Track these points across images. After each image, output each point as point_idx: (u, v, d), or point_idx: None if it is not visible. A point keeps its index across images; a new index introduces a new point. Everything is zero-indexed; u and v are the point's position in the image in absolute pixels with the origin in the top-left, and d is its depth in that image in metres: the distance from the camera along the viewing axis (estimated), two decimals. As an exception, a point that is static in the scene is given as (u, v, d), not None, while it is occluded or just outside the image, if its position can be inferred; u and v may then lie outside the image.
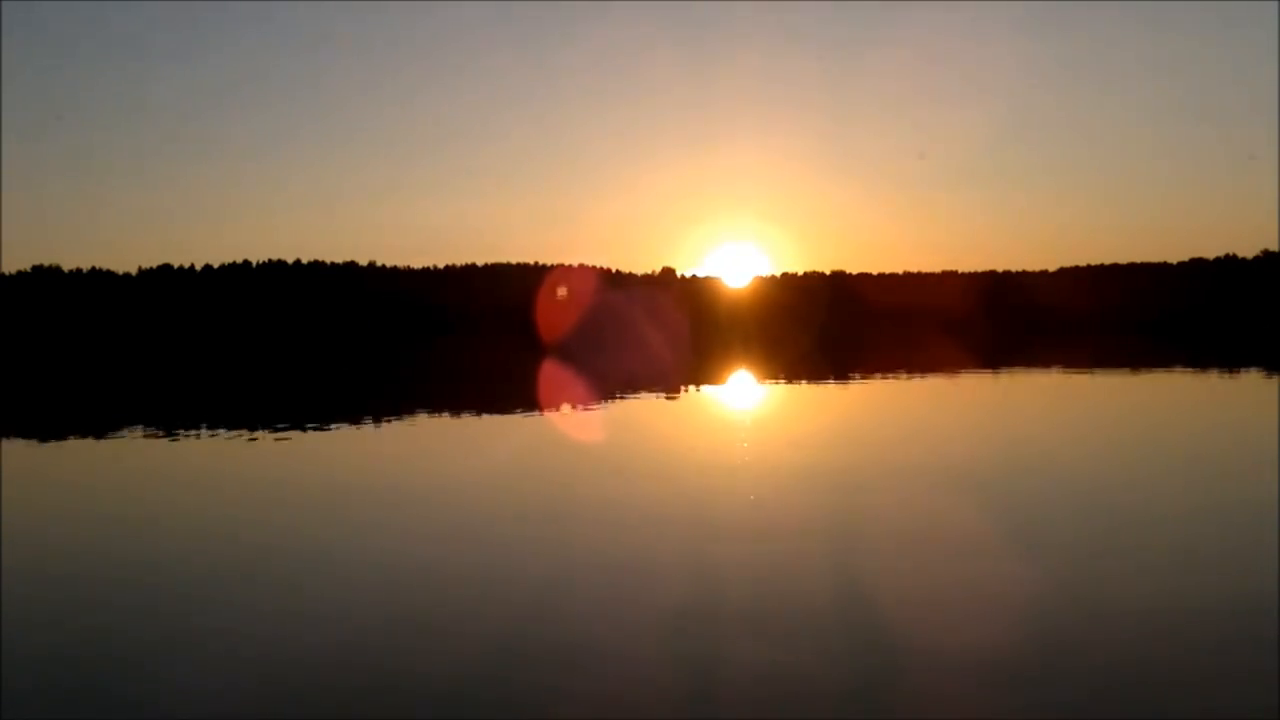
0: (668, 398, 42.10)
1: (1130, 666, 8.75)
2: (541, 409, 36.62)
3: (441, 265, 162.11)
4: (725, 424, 31.39)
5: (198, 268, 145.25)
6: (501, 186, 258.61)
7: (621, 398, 41.71)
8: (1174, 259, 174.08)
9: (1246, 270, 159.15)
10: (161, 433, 31.48)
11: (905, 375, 50.15)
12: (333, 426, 32.04)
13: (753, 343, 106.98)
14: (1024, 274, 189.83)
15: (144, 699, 8.67)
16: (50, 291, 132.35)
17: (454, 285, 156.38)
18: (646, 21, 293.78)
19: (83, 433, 31.66)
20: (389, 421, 33.48)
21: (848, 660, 9.11)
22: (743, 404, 38.85)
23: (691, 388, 46.78)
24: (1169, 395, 37.29)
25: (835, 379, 49.55)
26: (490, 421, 33.77)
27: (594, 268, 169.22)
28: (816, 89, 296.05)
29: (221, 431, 31.60)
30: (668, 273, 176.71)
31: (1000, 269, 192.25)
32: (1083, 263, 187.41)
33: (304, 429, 31.53)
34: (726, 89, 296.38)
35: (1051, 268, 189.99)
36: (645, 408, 38.07)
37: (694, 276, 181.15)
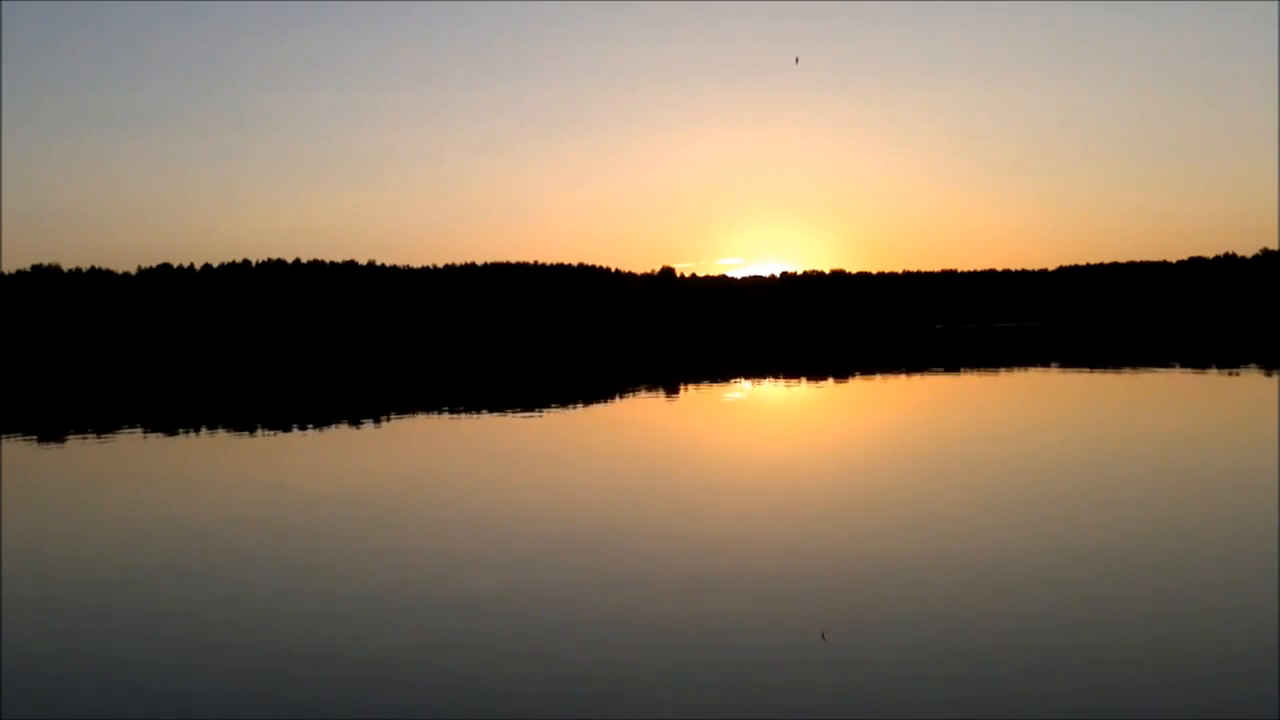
0: (667, 397, 42.12)
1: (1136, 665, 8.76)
2: (544, 408, 36.62)
3: (441, 265, 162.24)
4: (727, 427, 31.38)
5: (197, 267, 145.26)
6: (501, 187, 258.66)
7: (622, 396, 41.75)
8: (1174, 259, 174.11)
9: (1246, 270, 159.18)
10: (161, 432, 31.48)
11: (906, 374, 50.19)
12: (333, 426, 32.02)
13: (754, 343, 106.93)
14: (1022, 273, 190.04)
15: (142, 697, 8.67)
16: (50, 291, 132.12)
17: (454, 285, 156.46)
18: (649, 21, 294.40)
19: (83, 432, 31.64)
20: (388, 421, 33.44)
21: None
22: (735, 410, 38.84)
23: (690, 388, 46.79)
24: (1170, 395, 37.26)
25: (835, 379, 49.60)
26: (489, 421, 33.72)
27: (593, 267, 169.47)
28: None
29: (221, 431, 31.60)
30: (667, 272, 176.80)
31: (999, 268, 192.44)
32: (1082, 262, 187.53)
33: (304, 429, 31.52)
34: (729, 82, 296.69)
35: (1051, 267, 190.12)
36: (646, 406, 38.07)
37: (694, 275, 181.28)
